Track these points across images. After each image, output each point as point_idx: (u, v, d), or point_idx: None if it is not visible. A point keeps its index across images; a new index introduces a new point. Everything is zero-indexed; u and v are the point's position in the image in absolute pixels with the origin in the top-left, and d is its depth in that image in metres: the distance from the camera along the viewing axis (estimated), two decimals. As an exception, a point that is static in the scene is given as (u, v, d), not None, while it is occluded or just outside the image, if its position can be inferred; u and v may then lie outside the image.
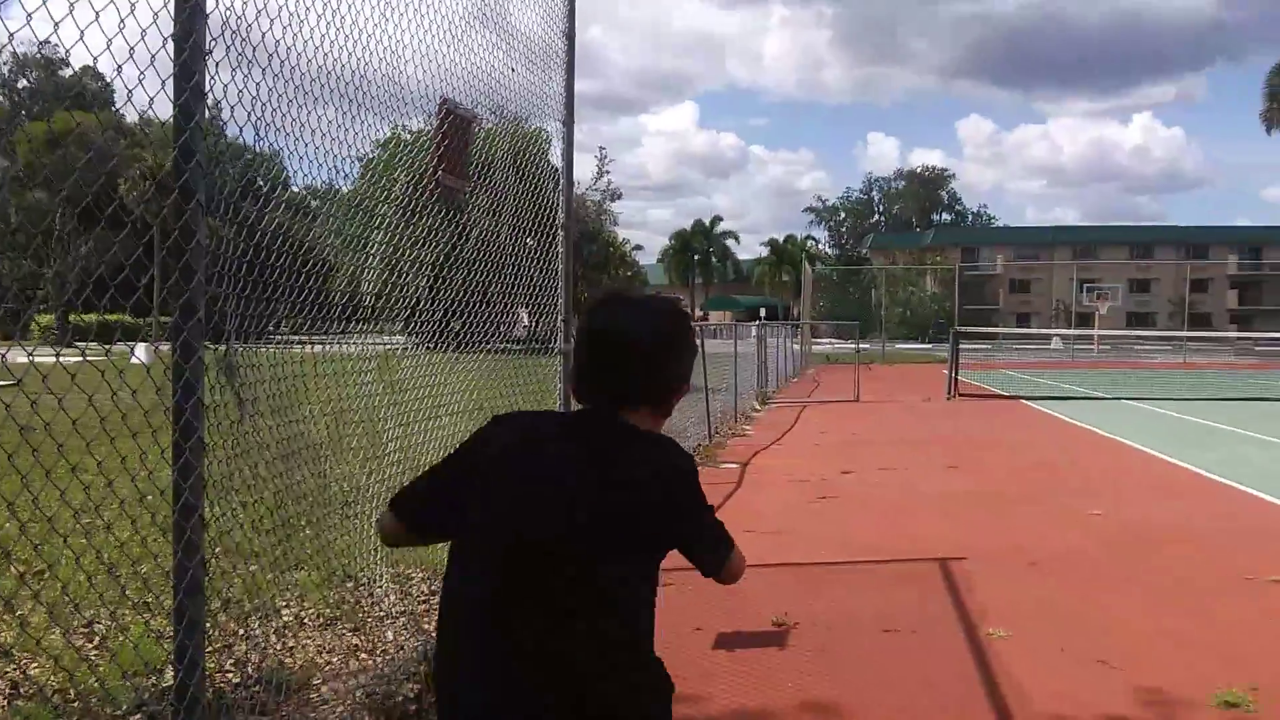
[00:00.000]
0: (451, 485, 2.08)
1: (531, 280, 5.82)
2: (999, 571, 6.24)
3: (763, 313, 64.64)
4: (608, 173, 61.70)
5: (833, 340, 46.32)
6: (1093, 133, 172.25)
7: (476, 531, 2.00)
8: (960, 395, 20.41)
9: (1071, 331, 47.20)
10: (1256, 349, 51.34)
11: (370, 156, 4.83)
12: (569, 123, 5.84)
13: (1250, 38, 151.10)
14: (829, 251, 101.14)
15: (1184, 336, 47.25)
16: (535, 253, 5.79)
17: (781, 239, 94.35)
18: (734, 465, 10.80)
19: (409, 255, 4.86)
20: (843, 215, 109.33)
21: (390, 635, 4.63)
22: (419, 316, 5.14)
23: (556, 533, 1.91)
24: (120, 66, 2.53)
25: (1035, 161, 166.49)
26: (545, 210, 5.88)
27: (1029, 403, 19.69)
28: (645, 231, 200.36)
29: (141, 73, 2.60)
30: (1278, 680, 4.38)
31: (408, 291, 5.08)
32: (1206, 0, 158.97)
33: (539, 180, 5.86)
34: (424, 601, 5.17)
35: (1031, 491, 9.43)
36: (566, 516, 1.92)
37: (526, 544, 1.93)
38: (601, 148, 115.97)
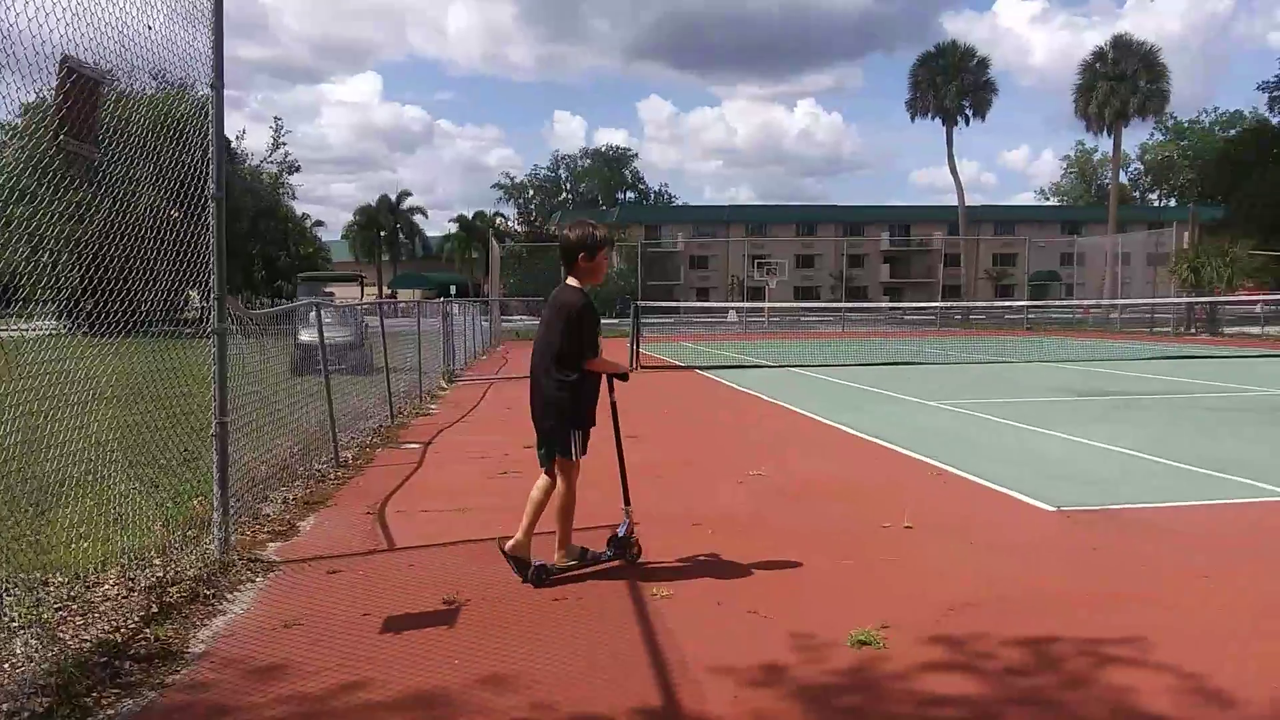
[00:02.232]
0: None
1: (183, 256, 5.43)
2: (666, 533, 6.49)
3: (453, 290, 64.11)
4: (284, 144, 58.81)
5: (525, 317, 46.61)
6: (763, 116, 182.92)
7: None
8: (642, 367, 21.11)
9: (745, 305, 49.95)
10: (906, 318, 56.61)
11: (14, 124, 4.37)
12: (218, 86, 5.46)
13: (900, 32, 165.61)
14: (518, 229, 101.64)
15: (843, 308, 51.30)
16: (183, 226, 5.40)
17: (471, 215, 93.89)
18: (416, 445, 10.63)
19: (25, 228, 4.39)
20: (531, 192, 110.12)
21: (19, 648, 4.20)
22: (42, 296, 4.68)
23: (544, 318, 5.53)
24: None
25: (712, 143, 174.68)
26: (194, 180, 5.49)
27: (704, 373, 20.69)
28: (328, 206, 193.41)
29: None
30: (905, 618, 4.82)
31: (28, 269, 4.61)
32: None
33: (186, 147, 5.46)
34: (60, 608, 4.73)
35: (701, 456, 9.91)
36: (545, 312, 5.55)
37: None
38: (277, 118, 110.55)
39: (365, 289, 27.24)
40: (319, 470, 8.71)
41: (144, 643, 4.47)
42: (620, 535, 5.81)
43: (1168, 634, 4.57)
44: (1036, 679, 4.09)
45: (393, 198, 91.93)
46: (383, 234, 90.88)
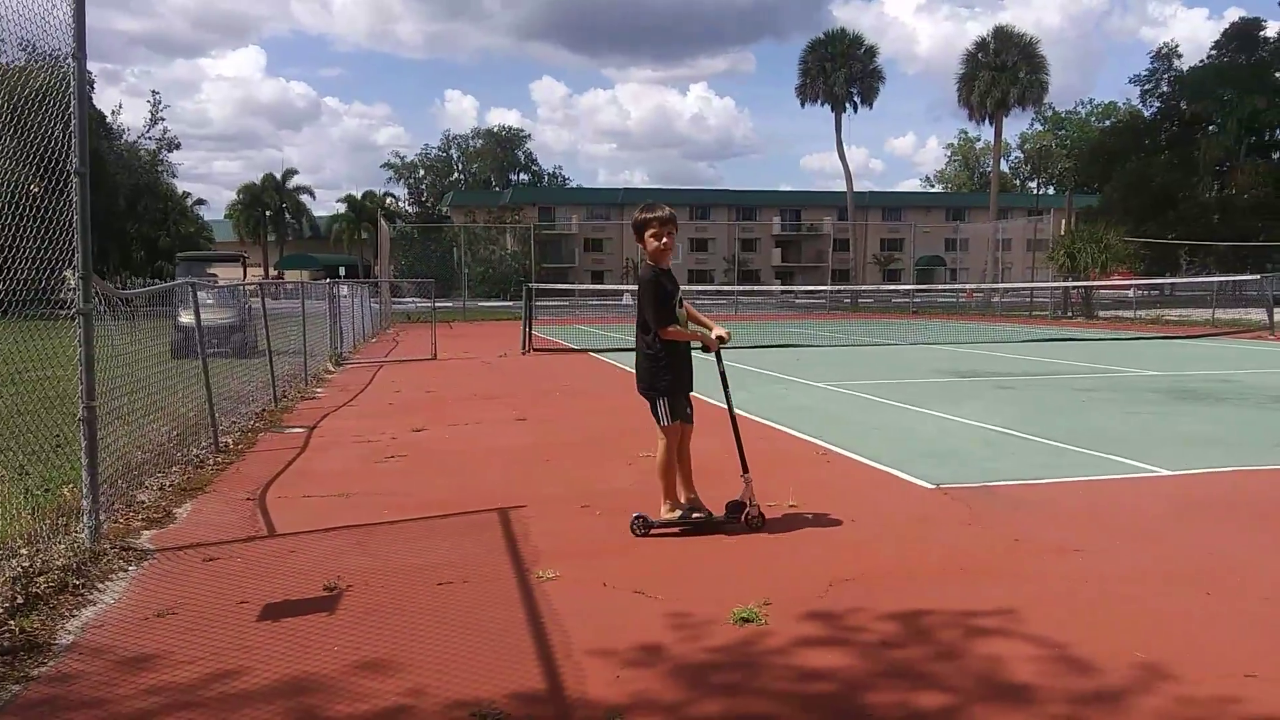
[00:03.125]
0: None
1: (48, 235, 5.20)
2: (554, 516, 6.50)
3: (342, 271, 62.95)
4: (163, 119, 56.85)
5: (417, 299, 46.04)
6: (656, 100, 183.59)
7: None
8: (535, 350, 21.06)
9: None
10: (796, 301, 57.50)
11: None
12: (80, 56, 5.22)
13: (791, 18, 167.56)
14: (409, 209, 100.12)
15: (736, 291, 51.86)
16: (45, 203, 5.17)
17: (360, 195, 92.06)
18: (300, 430, 10.42)
19: None
20: (422, 172, 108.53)
21: None
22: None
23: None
24: None
25: (605, 125, 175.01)
26: (56, 155, 5.25)
27: (597, 355, 20.71)
28: (210, 185, 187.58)
29: None
30: (786, 594, 4.90)
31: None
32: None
33: (47, 120, 5.21)
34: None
35: (592, 438, 9.92)
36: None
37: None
38: (155, 92, 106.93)
39: (249, 269, 26.49)
40: (197, 455, 8.47)
41: (8, 635, 4.29)
42: (738, 500, 6.21)
43: (1038, 605, 4.72)
44: (909, 651, 4.20)
45: (278, 176, 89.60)
46: (268, 213, 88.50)
